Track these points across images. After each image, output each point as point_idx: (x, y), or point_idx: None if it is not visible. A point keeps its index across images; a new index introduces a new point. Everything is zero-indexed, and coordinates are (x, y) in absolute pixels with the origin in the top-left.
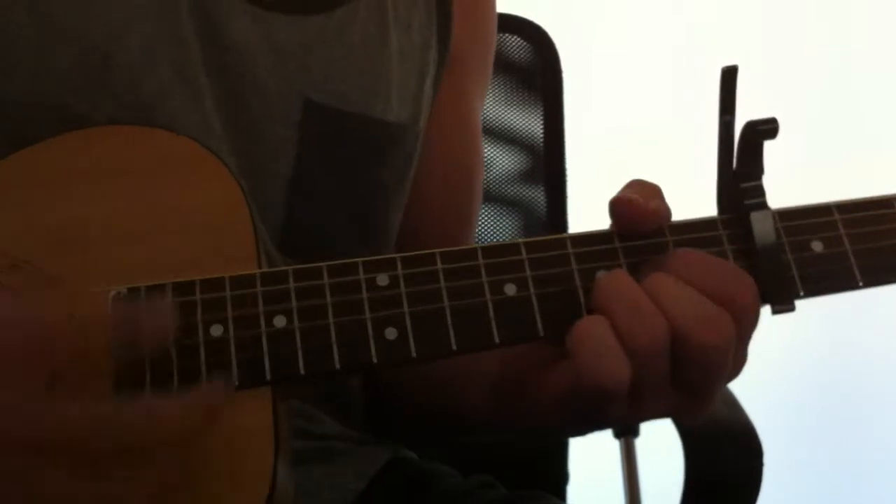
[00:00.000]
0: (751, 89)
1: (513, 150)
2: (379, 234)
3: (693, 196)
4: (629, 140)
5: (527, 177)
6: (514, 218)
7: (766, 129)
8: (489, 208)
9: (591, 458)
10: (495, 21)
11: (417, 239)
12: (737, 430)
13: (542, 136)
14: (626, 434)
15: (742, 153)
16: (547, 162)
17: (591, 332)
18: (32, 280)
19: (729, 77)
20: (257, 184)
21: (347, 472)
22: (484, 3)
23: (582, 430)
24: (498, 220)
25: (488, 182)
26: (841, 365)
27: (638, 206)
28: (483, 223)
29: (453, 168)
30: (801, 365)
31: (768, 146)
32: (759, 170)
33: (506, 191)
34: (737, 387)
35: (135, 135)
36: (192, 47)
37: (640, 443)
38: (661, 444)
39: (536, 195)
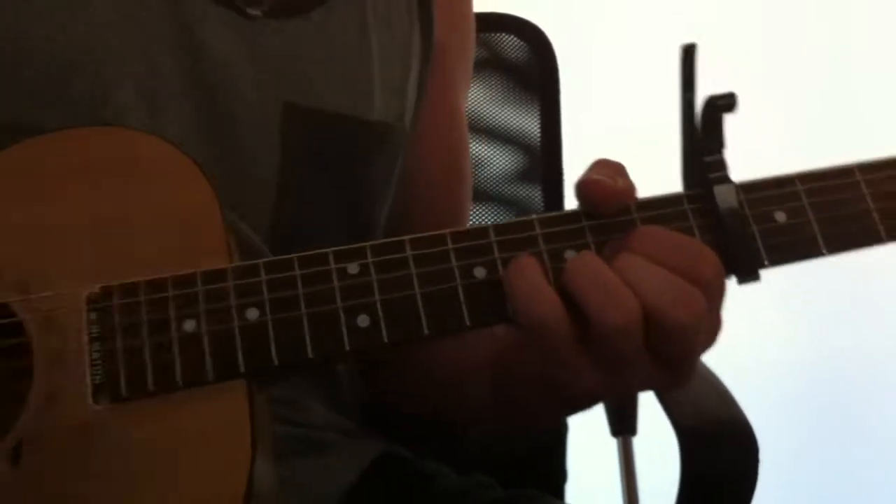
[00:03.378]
0: (751, 89)
1: (509, 149)
2: (367, 230)
3: None
4: (627, 139)
5: (524, 176)
6: (510, 217)
7: (724, 103)
8: (486, 207)
9: (589, 456)
10: (472, 7)
11: (412, 230)
12: (733, 427)
13: (538, 135)
14: (624, 432)
15: (704, 128)
16: (544, 161)
17: (521, 275)
18: (4, 285)
19: (688, 55)
20: (241, 189)
21: (337, 465)
22: None
23: (568, 409)
24: (495, 220)
25: (485, 181)
26: (838, 363)
27: (604, 186)
28: (480, 222)
29: (444, 158)
30: (798, 362)
31: (771, 147)
32: (720, 144)
33: (502, 190)
34: (734, 385)
35: (107, 136)
36: (164, 60)
37: (637, 441)
38: (658, 442)
39: (533, 194)
